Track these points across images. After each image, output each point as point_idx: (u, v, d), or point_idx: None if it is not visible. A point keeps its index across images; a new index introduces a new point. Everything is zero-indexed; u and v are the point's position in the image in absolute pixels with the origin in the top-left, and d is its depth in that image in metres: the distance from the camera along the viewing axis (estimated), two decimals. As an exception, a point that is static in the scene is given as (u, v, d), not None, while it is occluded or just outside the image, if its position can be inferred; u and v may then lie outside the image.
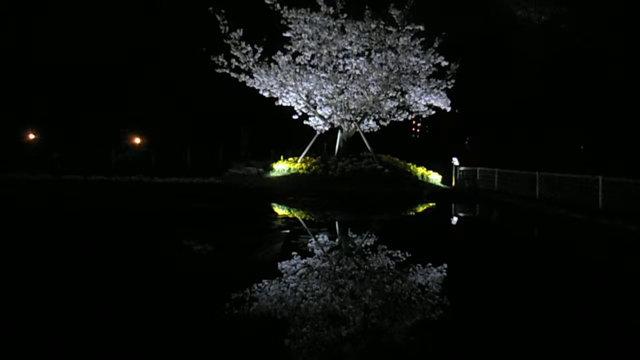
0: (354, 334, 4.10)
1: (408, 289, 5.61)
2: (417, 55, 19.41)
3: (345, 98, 20.63)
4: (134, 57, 30.54)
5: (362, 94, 20.35)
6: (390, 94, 20.56)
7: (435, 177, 21.58)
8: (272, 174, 21.30)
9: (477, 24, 23.69)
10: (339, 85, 20.10)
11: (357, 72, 19.94)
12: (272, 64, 19.70)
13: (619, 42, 23.22)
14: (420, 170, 21.35)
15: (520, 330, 4.48)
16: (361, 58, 19.62)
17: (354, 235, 9.80)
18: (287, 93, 20.59)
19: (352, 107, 21.01)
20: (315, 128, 22.16)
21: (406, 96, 20.99)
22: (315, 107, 21.39)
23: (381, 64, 19.58)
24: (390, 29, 18.86)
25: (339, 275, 6.15)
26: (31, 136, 31.60)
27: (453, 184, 21.12)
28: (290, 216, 12.85)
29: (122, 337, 4.09)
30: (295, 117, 21.70)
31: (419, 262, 6.80)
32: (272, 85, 20.21)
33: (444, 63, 19.82)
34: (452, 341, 4.23)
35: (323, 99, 20.93)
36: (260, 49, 19.58)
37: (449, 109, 21.36)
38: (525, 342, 4.20)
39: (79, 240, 8.61)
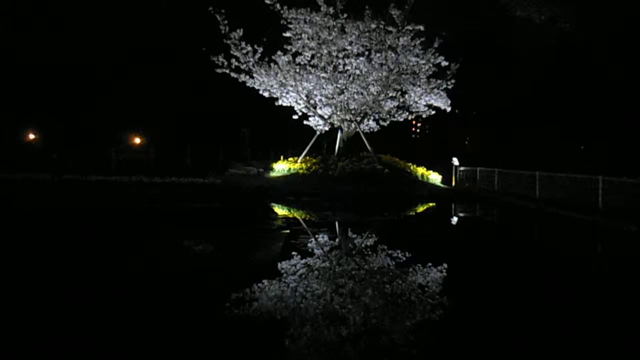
0: (353, 334, 4.10)
1: (407, 289, 5.61)
2: (417, 55, 19.40)
3: (345, 98, 20.62)
4: (134, 57, 30.54)
5: (362, 94, 20.34)
6: (390, 94, 20.55)
7: (435, 177, 21.56)
8: (272, 174, 21.29)
9: (477, 23, 23.70)
10: (339, 85, 20.09)
11: (357, 72, 19.93)
12: (272, 64, 19.69)
13: (619, 42, 23.21)
14: (420, 170, 21.34)
15: (519, 331, 4.47)
16: (361, 58, 19.60)
17: (354, 236, 9.79)
18: (287, 93, 20.58)
19: (352, 107, 21.00)
20: (315, 128, 22.15)
21: (406, 96, 20.98)
22: (315, 107, 21.39)
23: (381, 64, 19.57)
24: (390, 29, 18.84)
25: (339, 275, 6.15)
26: (31, 136, 31.59)
27: (453, 184, 21.10)
28: (290, 216, 12.85)
29: (123, 337, 4.09)
30: (295, 117, 21.70)
31: (419, 263, 6.80)
32: (272, 85, 20.21)
33: (444, 63, 19.80)
34: (451, 341, 4.22)
35: (323, 99, 20.92)
36: (260, 49, 19.58)
37: (449, 109, 21.35)
38: (524, 342, 4.20)
39: (78, 241, 8.60)
